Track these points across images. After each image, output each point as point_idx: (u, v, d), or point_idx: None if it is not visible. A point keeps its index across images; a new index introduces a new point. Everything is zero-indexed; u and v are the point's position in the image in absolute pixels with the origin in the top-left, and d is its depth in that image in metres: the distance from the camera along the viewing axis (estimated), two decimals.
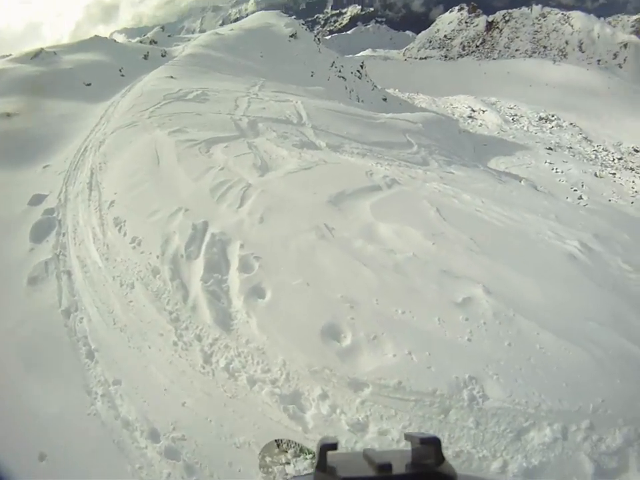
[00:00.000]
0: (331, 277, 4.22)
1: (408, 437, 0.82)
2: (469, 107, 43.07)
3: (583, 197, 19.96)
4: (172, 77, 15.22)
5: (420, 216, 5.55)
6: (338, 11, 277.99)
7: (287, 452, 2.83)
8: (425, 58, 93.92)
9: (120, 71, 16.92)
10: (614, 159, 36.52)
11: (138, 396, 3.61)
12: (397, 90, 43.39)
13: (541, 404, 2.84)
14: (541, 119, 44.32)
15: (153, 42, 26.79)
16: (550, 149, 33.65)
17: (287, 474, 2.70)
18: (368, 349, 3.43)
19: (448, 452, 2.67)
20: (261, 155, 7.69)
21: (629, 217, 10.57)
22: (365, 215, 5.44)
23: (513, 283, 4.12)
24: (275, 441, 2.88)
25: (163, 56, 21.17)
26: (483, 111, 42.19)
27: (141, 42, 27.88)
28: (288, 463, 2.77)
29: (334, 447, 0.81)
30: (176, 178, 6.42)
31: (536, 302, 3.84)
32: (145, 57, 20.42)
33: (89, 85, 14.63)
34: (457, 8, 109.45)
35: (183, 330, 3.93)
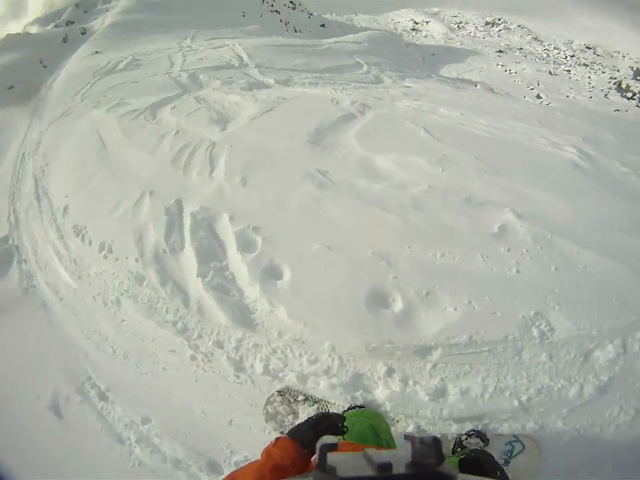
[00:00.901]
0: (350, 231, 3.58)
1: (408, 436, 0.80)
2: (411, 19, 41.67)
3: (541, 95, 19.30)
4: (97, 52, 13.83)
5: (411, 140, 5.06)
6: None
7: (291, 401, 2.84)
8: None
9: (41, 62, 15.40)
10: (566, 57, 36.19)
11: (176, 428, 3.05)
12: (334, 14, 41.85)
13: (602, 324, 2.79)
14: (487, 23, 43.29)
15: (69, 23, 24.81)
16: (500, 51, 33.01)
17: (292, 423, 2.72)
18: (425, 308, 2.96)
19: (530, 391, 2.67)
20: (212, 106, 6.90)
21: (603, 115, 10.64)
22: (354, 149, 4.85)
23: (536, 201, 3.82)
24: (278, 391, 2.87)
25: (82, 34, 19.30)
26: (427, 22, 40.92)
27: (56, 27, 25.73)
28: (294, 412, 2.81)
29: (334, 446, 0.81)
30: (129, 158, 5.47)
31: (564, 218, 3.60)
32: (64, 40, 18.50)
33: (10, 87, 13.20)
34: None
35: (197, 340, 3.17)
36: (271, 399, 2.87)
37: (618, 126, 7.52)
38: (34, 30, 24.06)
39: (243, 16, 23.41)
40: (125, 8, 21.64)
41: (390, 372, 2.82)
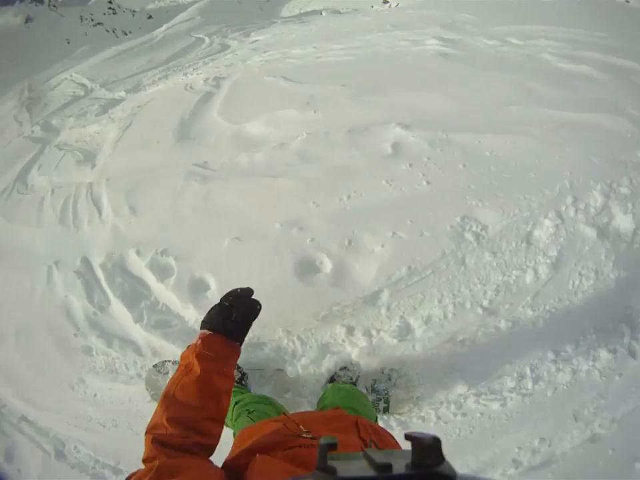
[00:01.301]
0: (250, 212, 3.47)
1: (408, 437, 0.74)
2: None
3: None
4: None
5: (274, 94, 4.98)
6: None
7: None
8: None
9: None
10: None
11: None
12: (156, 1, 40.12)
13: (530, 203, 2.85)
14: None
15: None
16: None
17: None
18: (354, 257, 2.93)
19: (488, 294, 2.68)
20: (76, 147, 6.57)
21: None
22: (222, 127, 4.75)
23: (418, 106, 3.79)
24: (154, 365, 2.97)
25: None
26: None
27: None
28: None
29: (334, 446, 0.76)
30: (19, 238, 4.96)
31: (453, 113, 3.59)
32: None
33: None
34: None
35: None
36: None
37: (474, 5, 7.58)
38: None
39: (68, 43, 22.13)
40: None
41: (350, 330, 2.83)
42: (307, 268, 2.96)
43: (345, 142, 3.64)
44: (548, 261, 2.72)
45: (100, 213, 4.44)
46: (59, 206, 5.00)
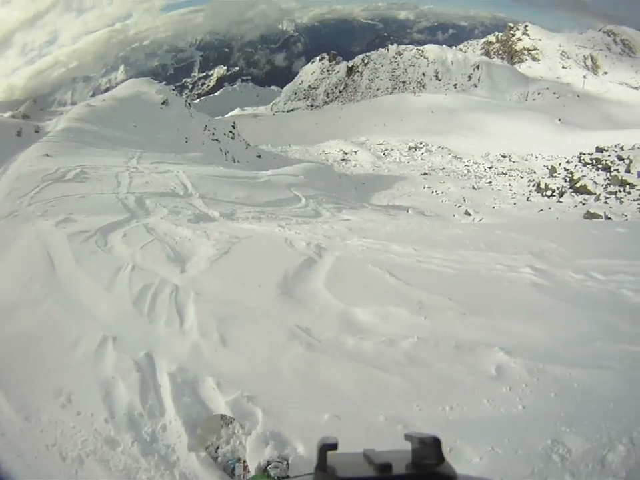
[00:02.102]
0: (355, 396, 3.34)
1: (408, 437, 0.80)
2: (341, 150, 44.62)
3: (469, 211, 20.62)
4: (47, 155, 13.95)
5: (382, 287, 5.06)
6: (205, 74, 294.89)
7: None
8: (292, 110, 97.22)
9: None
10: (485, 169, 39.60)
11: None
12: (269, 145, 43.98)
13: (609, 431, 2.81)
14: (410, 148, 47.23)
15: (25, 116, 24.91)
16: (425, 173, 35.68)
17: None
18: (453, 465, 2.80)
19: None
20: (164, 240, 6.72)
21: (537, 223, 11.31)
22: (329, 301, 4.68)
23: (517, 334, 3.93)
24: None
25: (36, 132, 19.39)
26: (355, 152, 43.99)
27: (13, 117, 26.29)
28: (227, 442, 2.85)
29: (334, 446, 0.79)
30: (81, 287, 4.99)
31: (547, 344, 3.74)
32: (18, 134, 18.58)
33: None
34: (318, 58, 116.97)
35: None
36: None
37: (553, 231, 8.19)
38: None
39: (186, 142, 24.10)
40: (78, 115, 21.90)
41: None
42: None
43: (452, 356, 3.65)
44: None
45: (182, 321, 4.30)
46: (136, 287, 4.94)
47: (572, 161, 30.95)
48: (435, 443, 0.76)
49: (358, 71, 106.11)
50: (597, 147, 31.25)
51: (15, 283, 5.20)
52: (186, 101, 37.19)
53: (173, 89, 43.18)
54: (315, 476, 0.77)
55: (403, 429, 2.97)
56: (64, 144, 16.25)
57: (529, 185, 30.50)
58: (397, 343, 3.85)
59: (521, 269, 5.36)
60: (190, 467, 2.85)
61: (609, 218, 18.49)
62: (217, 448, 2.90)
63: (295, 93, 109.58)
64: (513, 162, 42.34)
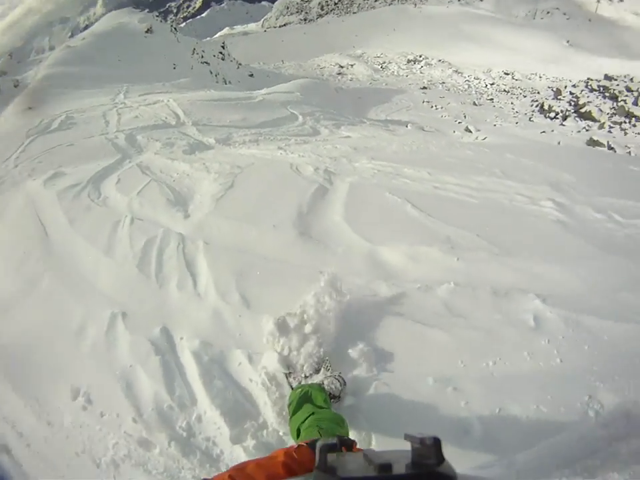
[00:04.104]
0: (400, 357, 3.04)
1: (408, 437, 0.78)
2: (337, 64, 42.79)
3: (470, 128, 19.72)
4: (30, 108, 13.17)
5: (405, 220, 4.63)
6: None
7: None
8: (285, 25, 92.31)
9: None
10: (487, 85, 37.99)
11: None
12: (262, 63, 42.15)
13: (637, 388, 2.71)
14: (409, 61, 45.31)
15: (2, 73, 23.51)
16: (424, 87, 34.18)
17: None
18: (501, 425, 2.70)
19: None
20: (163, 180, 6.15)
21: (545, 148, 10.81)
22: (351, 239, 4.25)
23: (549, 278, 3.66)
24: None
25: (15, 86, 18.17)
26: (351, 65, 42.21)
27: None
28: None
29: (334, 447, 0.80)
30: (79, 255, 4.44)
31: (579, 292, 3.49)
32: None
33: None
34: None
35: None
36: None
37: (566, 160, 7.66)
38: None
39: (174, 68, 22.82)
40: (57, 60, 20.53)
41: None
42: (460, 432, 2.59)
43: (490, 303, 3.37)
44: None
45: (195, 282, 3.79)
46: (138, 244, 4.42)
47: (578, 86, 29.79)
48: (435, 442, 0.73)
49: None
50: (606, 75, 30.11)
51: (9, 264, 4.65)
52: (171, 26, 35.13)
53: (157, 16, 40.84)
54: (315, 476, 0.75)
55: (453, 392, 2.77)
56: (46, 92, 15.30)
57: (531, 105, 29.33)
58: (433, 290, 3.49)
59: (542, 202, 5.02)
60: (236, 459, 2.50)
61: (612, 148, 18.03)
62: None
63: (287, 7, 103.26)
64: (516, 80, 40.57)
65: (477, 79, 40.31)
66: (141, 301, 3.65)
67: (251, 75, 30.32)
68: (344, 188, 5.50)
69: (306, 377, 2.77)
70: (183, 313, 3.48)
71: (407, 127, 15.74)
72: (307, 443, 1.64)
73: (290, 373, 2.84)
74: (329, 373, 2.72)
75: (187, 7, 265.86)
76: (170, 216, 4.97)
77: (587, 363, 2.89)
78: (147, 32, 26.60)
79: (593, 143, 18.51)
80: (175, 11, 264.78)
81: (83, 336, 3.39)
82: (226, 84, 24.23)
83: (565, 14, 71.77)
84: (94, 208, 5.43)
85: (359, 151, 7.92)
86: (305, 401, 2.35)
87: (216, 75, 25.80)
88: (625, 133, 21.54)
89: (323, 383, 2.60)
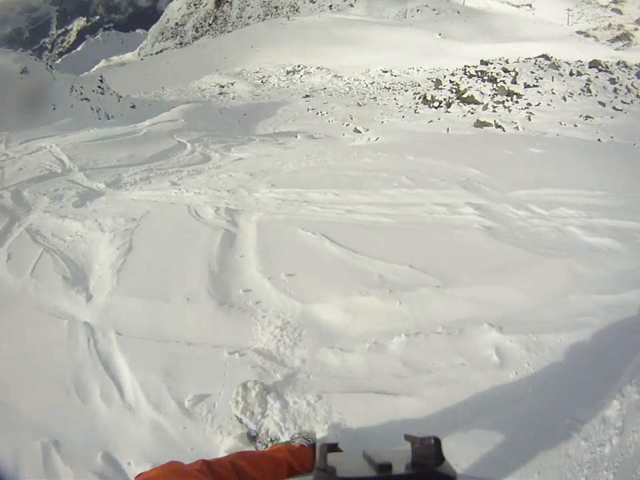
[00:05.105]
0: (362, 431, 2.62)
1: (408, 437, 0.76)
2: (217, 84, 41.69)
3: (358, 128, 19.88)
4: None
5: (329, 262, 4.19)
6: (64, 29, 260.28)
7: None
8: (161, 51, 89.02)
9: None
10: (367, 85, 38.67)
11: None
12: (142, 92, 39.97)
13: (606, 391, 2.71)
14: (288, 72, 45.23)
15: None
16: (307, 96, 34.11)
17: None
18: None
19: None
20: (57, 247, 5.34)
21: (433, 138, 10.87)
22: (277, 299, 3.75)
23: (495, 301, 3.46)
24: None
25: None
26: (232, 84, 41.34)
27: None
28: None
29: (334, 447, 0.78)
30: None
31: (527, 308, 3.36)
32: None
33: None
34: None
35: None
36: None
37: (465, 153, 7.71)
38: None
39: (54, 109, 20.96)
40: None
41: None
42: None
43: (448, 348, 3.09)
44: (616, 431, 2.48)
45: (121, 390, 3.11)
46: (48, 347, 3.64)
47: (457, 74, 30.64)
48: (435, 442, 0.72)
49: (227, 1, 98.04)
50: (482, 60, 31.16)
51: None
52: (46, 63, 32.34)
53: (31, 54, 37.59)
54: (315, 476, 0.72)
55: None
56: None
57: (414, 98, 30.00)
58: (385, 348, 3.14)
59: (461, 210, 4.85)
60: None
61: (500, 126, 18.77)
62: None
63: (162, 33, 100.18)
64: (395, 76, 41.68)
65: (357, 80, 41.08)
66: (68, 423, 2.97)
67: (133, 107, 28.61)
68: (251, 230, 5.03)
69: (272, 440, 2.51)
70: (120, 432, 2.85)
71: (296, 137, 15.62)
72: (308, 445, 1.61)
73: (255, 437, 2.59)
74: (296, 434, 2.45)
75: (62, 42, 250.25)
76: (70, 299, 4.23)
77: (556, 383, 2.79)
78: (21, 73, 24.30)
79: (480, 124, 19.24)
80: (49, 47, 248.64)
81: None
82: (108, 119, 22.68)
83: (434, 10, 75.57)
84: None
85: (255, 177, 7.51)
86: None
87: (97, 111, 24.06)
88: (509, 110, 22.56)
89: (294, 442, 2.33)
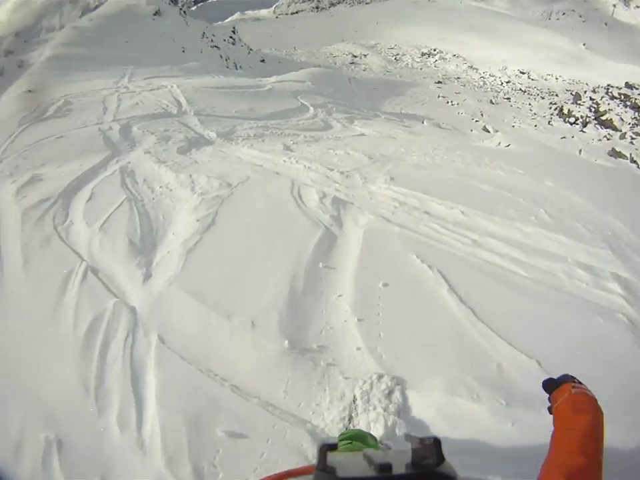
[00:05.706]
0: None
1: (408, 437, 0.75)
2: (350, 53, 40.61)
3: (487, 128, 18.08)
4: (30, 91, 11.35)
5: (444, 327, 3.11)
6: None
7: None
8: (297, 12, 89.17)
9: None
10: (502, 83, 36.05)
11: None
12: (273, 49, 40.07)
13: None
14: (423, 54, 43.09)
15: (8, 53, 21.65)
16: (439, 82, 32.20)
17: None
18: None
19: None
20: (140, 199, 4.90)
21: (583, 165, 9.46)
22: (365, 367, 2.79)
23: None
24: None
25: (19, 67, 16.42)
26: (365, 55, 40.03)
27: None
28: None
29: (334, 447, 0.72)
30: (23, 326, 3.22)
31: None
32: (0, 74, 15.79)
33: None
34: None
35: None
36: None
37: (613, 194, 6.28)
38: None
39: (183, 52, 21.03)
40: (64, 40, 18.60)
41: None
42: None
43: None
44: None
45: (139, 419, 2.50)
46: (83, 325, 3.11)
47: (598, 91, 27.43)
48: (435, 442, 0.69)
49: None
50: (627, 83, 27.49)
51: None
52: (181, 9, 33.00)
53: None
54: (315, 476, 0.69)
55: None
56: (48, 74, 13.45)
57: (550, 108, 27.20)
58: None
59: (607, 285, 3.63)
60: None
61: (635, 162, 16.23)
62: None
63: None
64: (532, 80, 38.29)
65: (493, 76, 38.21)
66: (77, 428, 2.47)
67: (262, 61, 28.46)
68: (356, 238, 4.17)
69: None
70: (125, 468, 2.28)
71: (422, 122, 14.44)
72: None
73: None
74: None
75: None
76: (128, 273, 3.68)
77: None
78: (154, 14, 24.76)
79: (615, 153, 16.88)
80: None
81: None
82: (237, 69, 22.55)
83: (580, 16, 68.59)
84: (54, 241, 4.18)
85: (374, 162, 6.69)
86: (355, 438, 1.90)
87: (226, 59, 24.04)
88: None
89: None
